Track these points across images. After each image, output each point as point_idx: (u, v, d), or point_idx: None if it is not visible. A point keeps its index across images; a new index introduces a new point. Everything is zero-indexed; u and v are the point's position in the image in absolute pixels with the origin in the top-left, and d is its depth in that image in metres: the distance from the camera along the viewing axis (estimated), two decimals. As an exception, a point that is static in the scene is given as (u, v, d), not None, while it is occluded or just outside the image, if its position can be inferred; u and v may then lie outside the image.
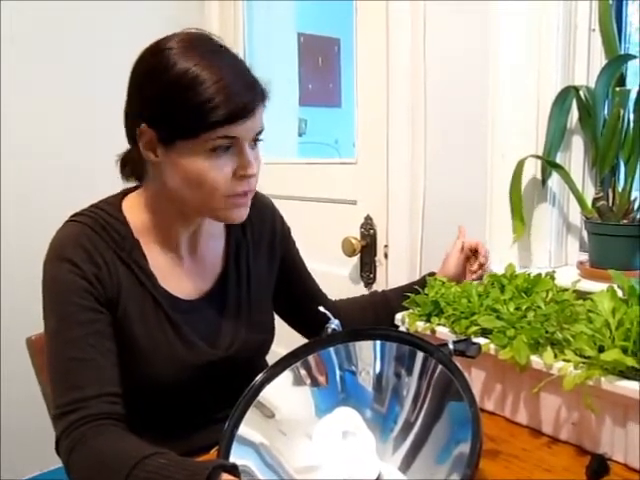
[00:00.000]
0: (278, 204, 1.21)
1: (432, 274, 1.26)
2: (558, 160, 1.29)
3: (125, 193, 1.03)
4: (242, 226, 1.09)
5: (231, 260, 1.07)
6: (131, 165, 1.01)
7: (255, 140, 0.93)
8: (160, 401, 1.00)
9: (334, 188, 1.88)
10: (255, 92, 0.89)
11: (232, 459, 0.71)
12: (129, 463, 0.73)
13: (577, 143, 1.34)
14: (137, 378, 0.94)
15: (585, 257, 1.30)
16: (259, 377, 0.79)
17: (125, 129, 0.96)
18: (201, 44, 0.91)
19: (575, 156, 1.34)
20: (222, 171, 0.89)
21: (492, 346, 0.90)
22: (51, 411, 0.90)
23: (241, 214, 0.95)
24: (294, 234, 1.22)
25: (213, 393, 1.02)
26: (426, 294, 1.06)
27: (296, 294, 1.21)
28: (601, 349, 0.79)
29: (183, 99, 0.86)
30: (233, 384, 0.94)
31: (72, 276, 0.90)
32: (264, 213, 1.15)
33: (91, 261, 0.92)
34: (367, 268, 1.78)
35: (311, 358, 0.80)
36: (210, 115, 0.85)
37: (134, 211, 1.00)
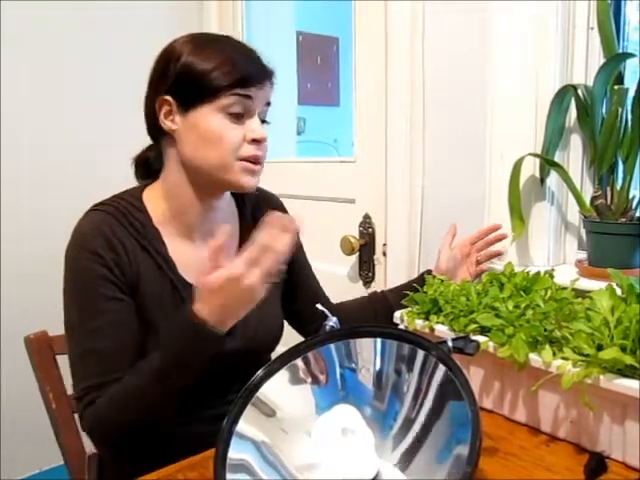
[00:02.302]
0: (277, 203, 1.22)
1: (430, 272, 1.26)
2: (556, 159, 1.29)
3: (145, 185, 1.08)
4: (254, 223, 1.10)
5: None
6: (146, 164, 1.08)
7: (262, 118, 1.02)
8: None
9: (333, 187, 1.88)
10: (262, 64, 1.02)
11: (231, 453, 0.71)
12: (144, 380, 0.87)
13: (575, 142, 1.34)
14: None
15: (584, 255, 1.30)
16: (257, 374, 0.79)
17: (145, 115, 1.04)
18: (210, 33, 1.06)
19: (573, 155, 1.34)
20: (236, 132, 0.98)
21: (491, 344, 0.90)
22: (73, 393, 0.96)
23: (252, 182, 1.01)
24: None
25: (219, 384, 1.03)
26: (425, 292, 1.06)
27: (299, 295, 1.23)
28: (600, 347, 0.79)
29: (202, 65, 0.96)
30: (241, 376, 0.95)
31: (93, 264, 0.94)
32: (274, 210, 1.17)
33: (111, 248, 0.95)
34: (366, 267, 1.78)
35: (311, 356, 0.80)
36: (225, 77, 0.96)
37: (153, 202, 1.04)
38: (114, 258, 0.95)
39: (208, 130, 0.97)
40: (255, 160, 1.00)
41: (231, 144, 0.97)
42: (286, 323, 1.24)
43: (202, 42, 1.00)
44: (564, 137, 1.31)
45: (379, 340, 0.79)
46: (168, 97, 0.99)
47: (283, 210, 1.22)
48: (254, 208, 1.16)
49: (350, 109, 1.83)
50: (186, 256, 1.03)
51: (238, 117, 0.98)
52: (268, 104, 1.04)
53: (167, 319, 0.98)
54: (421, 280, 1.17)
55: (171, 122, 1.00)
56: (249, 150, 0.99)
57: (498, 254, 1.32)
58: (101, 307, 0.94)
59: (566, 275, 1.17)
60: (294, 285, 1.21)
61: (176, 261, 1.02)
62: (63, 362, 1.20)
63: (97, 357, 0.93)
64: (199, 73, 0.96)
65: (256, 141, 0.99)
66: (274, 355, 1.13)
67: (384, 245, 1.71)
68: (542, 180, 1.33)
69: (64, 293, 0.97)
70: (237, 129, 0.98)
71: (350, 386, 0.80)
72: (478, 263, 1.31)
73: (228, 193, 1.11)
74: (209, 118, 0.97)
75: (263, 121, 1.03)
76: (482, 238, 1.32)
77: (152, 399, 0.89)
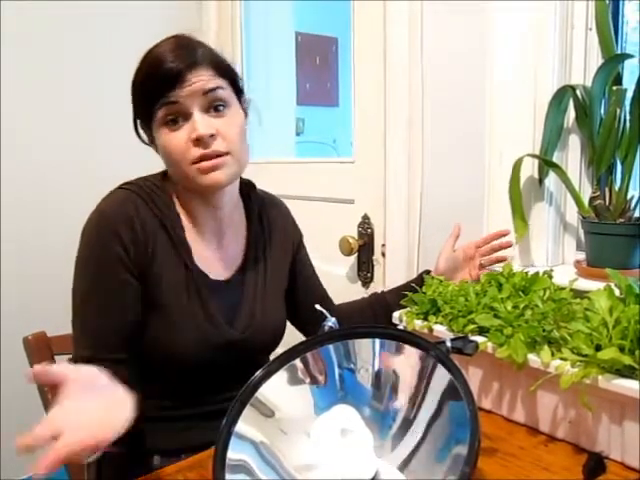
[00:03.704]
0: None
1: (428, 272, 1.26)
2: (555, 159, 1.29)
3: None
4: (260, 223, 1.16)
5: (251, 253, 1.12)
6: None
7: (211, 106, 0.98)
8: (175, 373, 1.03)
9: (332, 187, 1.88)
10: (183, 60, 0.96)
11: (230, 454, 0.71)
12: None
13: (574, 142, 1.34)
14: (159, 346, 1.00)
15: (582, 256, 1.30)
16: (256, 375, 0.79)
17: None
18: (161, 40, 1.01)
19: (572, 155, 1.34)
20: (178, 139, 0.97)
21: (489, 344, 0.90)
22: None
23: (212, 179, 0.98)
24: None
25: (221, 375, 1.04)
26: (424, 292, 1.07)
27: (302, 298, 1.24)
28: (598, 348, 0.79)
29: (134, 88, 1.00)
30: (242, 371, 0.97)
31: (110, 243, 0.96)
32: (278, 214, 1.21)
33: (131, 227, 0.97)
34: (364, 267, 1.78)
35: (309, 356, 0.80)
36: (144, 92, 0.98)
37: (174, 187, 1.07)
38: (132, 237, 0.97)
39: (160, 147, 1.00)
40: (205, 158, 0.97)
41: (178, 153, 0.97)
42: (288, 323, 1.24)
43: (143, 57, 1.00)
44: (562, 137, 1.31)
45: (378, 340, 0.80)
46: (138, 119, 1.04)
47: (287, 213, 1.25)
48: (260, 209, 1.18)
49: (349, 109, 1.83)
50: (199, 247, 1.06)
51: (176, 122, 0.97)
52: (210, 91, 0.97)
53: (178, 302, 1.00)
54: (420, 280, 1.17)
55: (153, 145, 1.04)
56: (195, 152, 0.96)
57: (502, 260, 1.30)
58: (109, 286, 0.97)
59: (565, 275, 1.17)
60: (296, 286, 1.23)
61: (191, 246, 1.04)
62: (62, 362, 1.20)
63: (95, 332, 0.97)
64: (133, 97, 1.01)
65: (198, 140, 0.96)
66: (273, 356, 1.15)
67: (383, 246, 1.71)
68: (540, 181, 1.33)
69: (76, 263, 0.99)
70: (179, 135, 0.97)
71: (349, 386, 0.80)
72: (481, 267, 1.30)
73: (234, 192, 1.11)
74: (158, 135, 0.99)
75: (218, 107, 0.99)
76: (488, 243, 1.31)
77: None
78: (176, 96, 0.95)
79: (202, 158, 0.96)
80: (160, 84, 0.95)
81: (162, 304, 1.00)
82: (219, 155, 0.97)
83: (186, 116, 0.97)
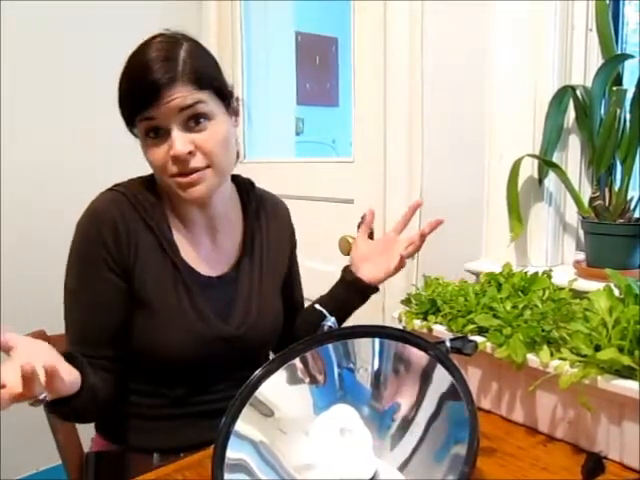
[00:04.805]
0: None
1: (348, 267, 1.24)
2: (555, 159, 1.29)
3: None
4: (258, 220, 1.16)
5: (247, 251, 1.12)
6: None
7: (191, 120, 0.96)
8: (166, 371, 1.04)
9: (331, 187, 1.88)
10: (162, 75, 0.93)
11: (229, 453, 0.71)
12: None
13: (574, 142, 1.34)
14: (148, 344, 1.01)
15: (582, 256, 1.30)
16: (255, 374, 0.79)
17: None
18: (146, 42, 0.98)
19: (572, 155, 1.34)
20: (158, 153, 0.97)
21: (488, 344, 0.91)
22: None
23: (191, 194, 0.98)
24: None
25: (218, 372, 1.04)
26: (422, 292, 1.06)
27: (285, 301, 1.21)
28: (597, 348, 0.79)
29: (118, 93, 0.98)
30: (239, 366, 1.00)
31: (94, 245, 0.98)
32: (277, 213, 1.21)
33: (114, 230, 0.99)
34: (364, 267, 1.77)
35: (309, 355, 0.81)
36: (125, 104, 0.97)
37: (164, 189, 1.06)
38: (115, 239, 0.98)
39: (145, 155, 1.00)
40: (183, 175, 0.96)
41: (158, 166, 0.98)
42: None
43: (129, 60, 0.98)
44: (562, 138, 1.31)
45: (377, 340, 0.80)
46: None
47: (289, 218, 1.25)
48: (258, 206, 1.17)
49: (349, 109, 1.83)
50: (189, 245, 1.06)
51: (157, 135, 0.96)
52: (187, 107, 0.94)
53: (166, 302, 1.01)
54: (341, 280, 1.21)
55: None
56: (173, 168, 0.96)
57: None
58: (94, 286, 0.99)
59: (564, 276, 1.17)
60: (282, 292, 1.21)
61: (179, 244, 1.04)
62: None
63: (80, 328, 1.01)
64: (119, 105, 0.99)
65: (174, 157, 0.95)
66: (272, 353, 1.15)
67: (383, 245, 1.71)
68: (540, 181, 1.33)
69: (67, 261, 1.02)
70: (159, 149, 0.96)
71: (348, 386, 0.80)
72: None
73: (223, 191, 1.09)
74: (141, 143, 1.00)
75: (198, 120, 0.96)
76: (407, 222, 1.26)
77: None
78: (154, 113, 0.94)
79: (179, 175, 0.97)
80: (138, 99, 0.94)
81: (151, 304, 1.00)
82: (198, 170, 0.96)
83: (167, 130, 0.95)
